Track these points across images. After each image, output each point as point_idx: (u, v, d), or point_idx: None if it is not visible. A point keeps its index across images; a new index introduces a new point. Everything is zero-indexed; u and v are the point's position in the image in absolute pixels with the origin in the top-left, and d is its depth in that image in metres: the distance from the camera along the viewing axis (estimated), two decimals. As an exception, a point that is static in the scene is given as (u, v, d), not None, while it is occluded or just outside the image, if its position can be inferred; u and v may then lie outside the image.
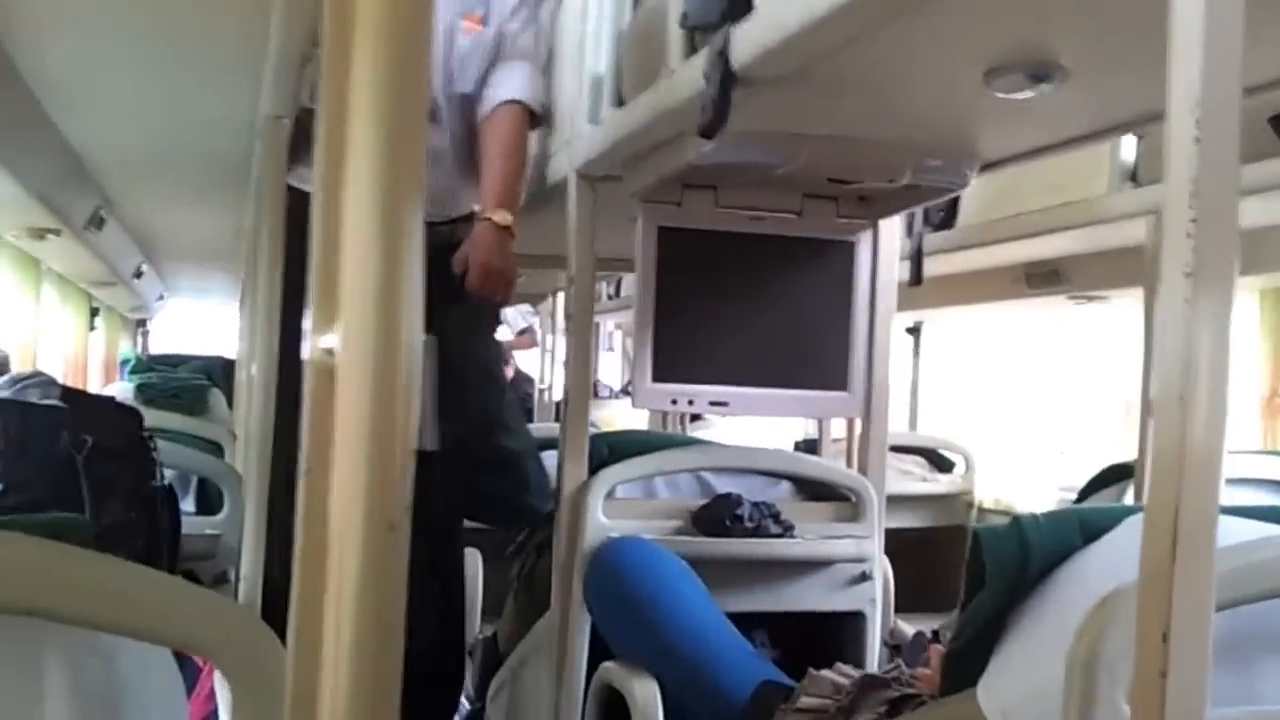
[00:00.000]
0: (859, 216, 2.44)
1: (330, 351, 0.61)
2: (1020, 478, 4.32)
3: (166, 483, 2.03)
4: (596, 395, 6.84)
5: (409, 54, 0.54)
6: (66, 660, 0.87)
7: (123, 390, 4.58)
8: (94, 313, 5.75)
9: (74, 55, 1.77)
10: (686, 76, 1.82)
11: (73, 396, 2.04)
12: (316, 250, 0.68)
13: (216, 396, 5.49)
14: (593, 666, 2.16)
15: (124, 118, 2.21)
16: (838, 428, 3.42)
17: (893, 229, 2.50)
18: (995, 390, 4.95)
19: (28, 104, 1.94)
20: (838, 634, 2.39)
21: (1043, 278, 3.59)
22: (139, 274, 4.89)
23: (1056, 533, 1.13)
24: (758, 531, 2.29)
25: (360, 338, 0.53)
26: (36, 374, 2.04)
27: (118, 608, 0.81)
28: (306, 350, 0.70)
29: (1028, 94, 1.66)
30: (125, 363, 6.79)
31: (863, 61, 1.63)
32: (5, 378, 2.05)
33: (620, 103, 2.18)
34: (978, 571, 1.16)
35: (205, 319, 9.20)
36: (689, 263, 2.33)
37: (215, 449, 2.70)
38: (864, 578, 2.38)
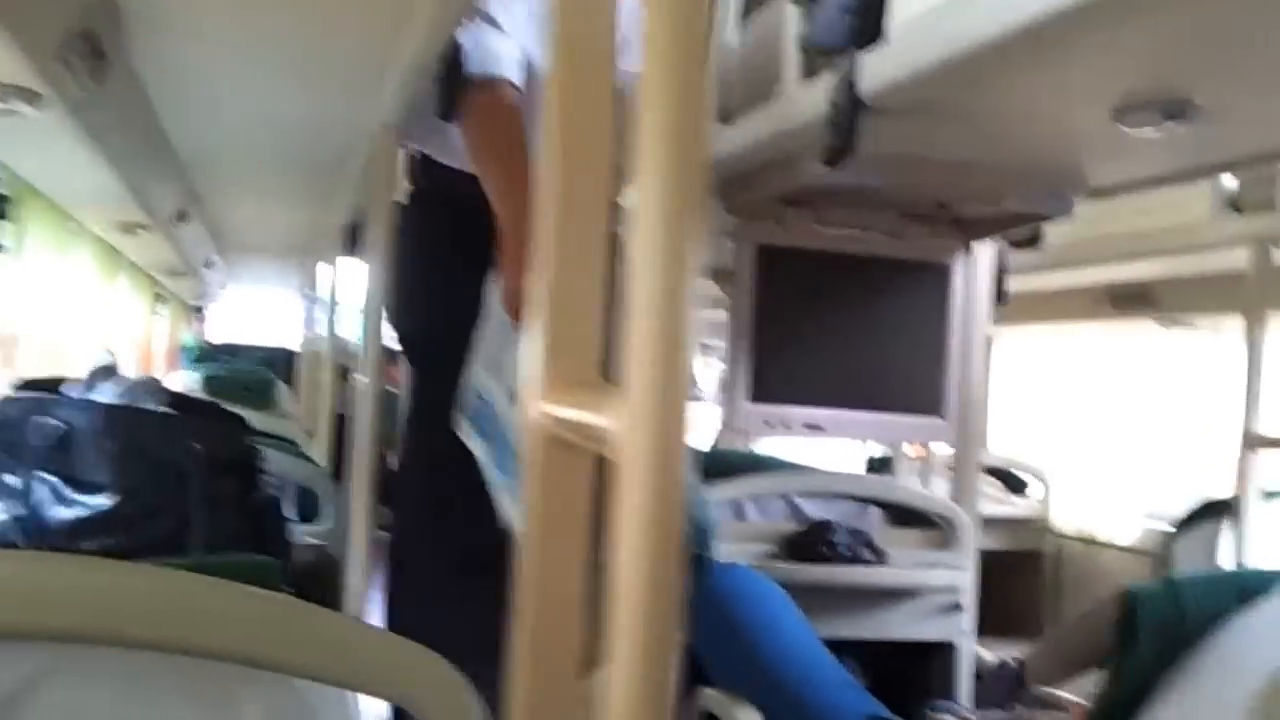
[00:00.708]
0: (954, 238, 2.45)
1: (576, 426, 0.64)
2: (1101, 503, 4.26)
3: (272, 493, 2.06)
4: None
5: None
6: (264, 706, 0.90)
7: (190, 381, 4.66)
8: (157, 298, 5.84)
9: (192, 60, 1.81)
10: (804, 99, 1.83)
11: (182, 403, 2.07)
12: (549, 313, 0.71)
13: (282, 389, 5.57)
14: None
15: (227, 119, 2.25)
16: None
17: (986, 252, 2.49)
18: (1071, 410, 4.89)
19: (140, 104, 1.98)
20: (927, 663, 2.39)
21: (1129, 299, 3.57)
22: (209, 264, 4.96)
23: (1213, 596, 1.14)
24: (852, 559, 2.29)
25: (645, 422, 0.53)
26: (147, 379, 2.07)
27: (316, 654, 0.83)
28: (532, 416, 0.73)
29: (1156, 130, 1.66)
30: (185, 350, 6.90)
31: (990, 94, 1.64)
32: (113, 380, 2.07)
33: (724, 119, 2.19)
34: (1128, 631, 1.17)
35: (257, 304, 9.25)
36: (787, 281, 2.34)
37: (290, 446, 2.72)
38: (956, 608, 2.36)
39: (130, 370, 4.61)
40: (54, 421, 1.92)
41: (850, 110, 1.58)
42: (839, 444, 4.71)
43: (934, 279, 2.44)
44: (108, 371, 2.13)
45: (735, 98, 2.13)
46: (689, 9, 0.55)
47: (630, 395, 0.54)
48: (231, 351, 6.85)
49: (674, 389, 0.53)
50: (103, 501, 1.89)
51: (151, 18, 1.49)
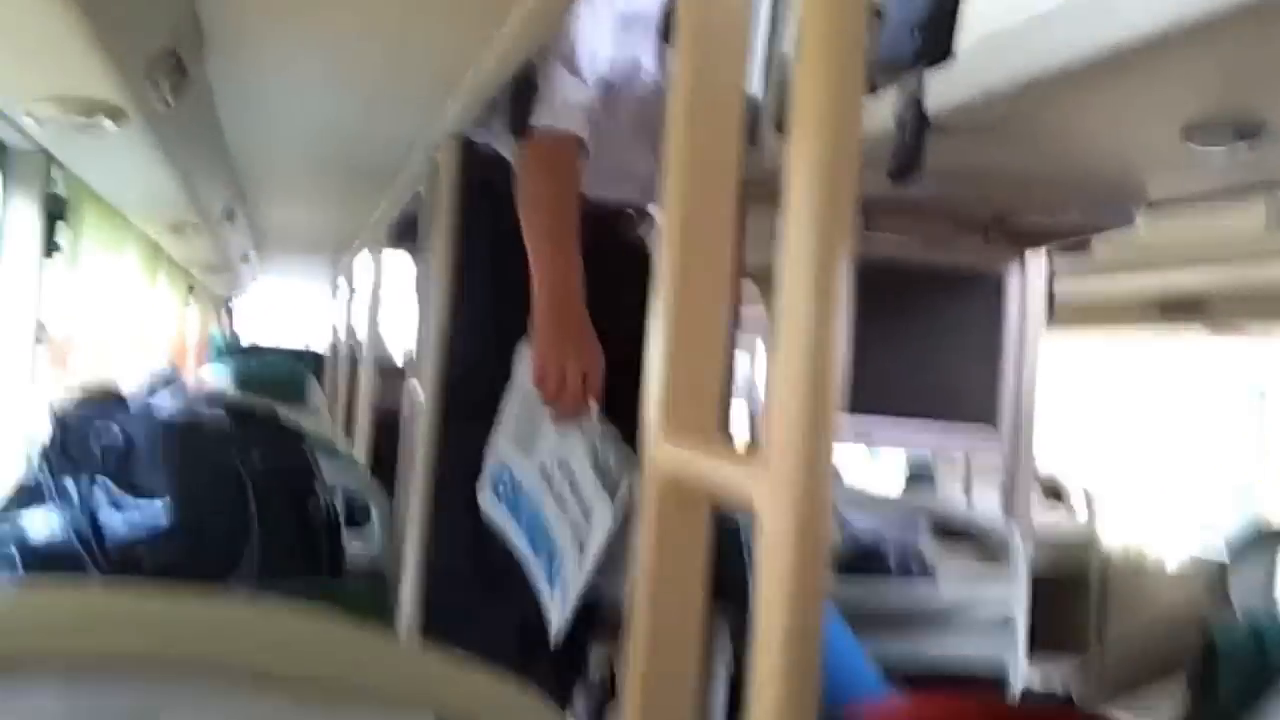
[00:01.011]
0: (1008, 248, 2.44)
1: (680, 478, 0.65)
2: (1149, 517, 4.20)
3: (328, 501, 2.08)
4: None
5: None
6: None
7: (221, 376, 4.69)
8: (189, 290, 5.87)
9: (264, 76, 1.83)
10: (867, 113, 1.83)
11: (240, 413, 2.09)
12: (671, 354, 0.72)
13: (313, 386, 5.58)
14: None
15: (286, 128, 2.27)
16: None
17: (1040, 262, 2.48)
18: (1117, 419, 4.84)
19: (207, 115, 2.00)
20: (975, 682, 2.39)
21: (1180, 308, 3.55)
22: (245, 259, 5.00)
23: (1296, 640, 1.14)
24: (901, 573, 2.29)
25: (790, 487, 0.54)
26: (206, 389, 2.09)
27: (406, 686, 0.85)
28: (651, 459, 0.74)
29: (1225, 148, 1.66)
30: (214, 344, 6.95)
31: (1059, 113, 1.65)
32: (173, 389, 2.10)
33: (780, 127, 2.19)
34: (1209, 669, 1.17)
35: (285, 297, 9.28)
36: (871, 299, 2.34)
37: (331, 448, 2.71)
38: (1007, 625, 2.35)
39: (165, 363, 4.67)
40: (115, 430, 1.95)
41: (918, 127, 1.58)
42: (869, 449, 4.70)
43: (987, 288, 2.44)
44: (168, 380, 2.16)
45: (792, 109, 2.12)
46: (845, 56, 0.56)
47: (775, 456, 0.54)
48: (259, 352, 6.88)
49: (823, 451, 0.54)
50: (161, 510, 1.91)
51: (232, 38, 1.51)
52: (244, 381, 4.55)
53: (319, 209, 3.77)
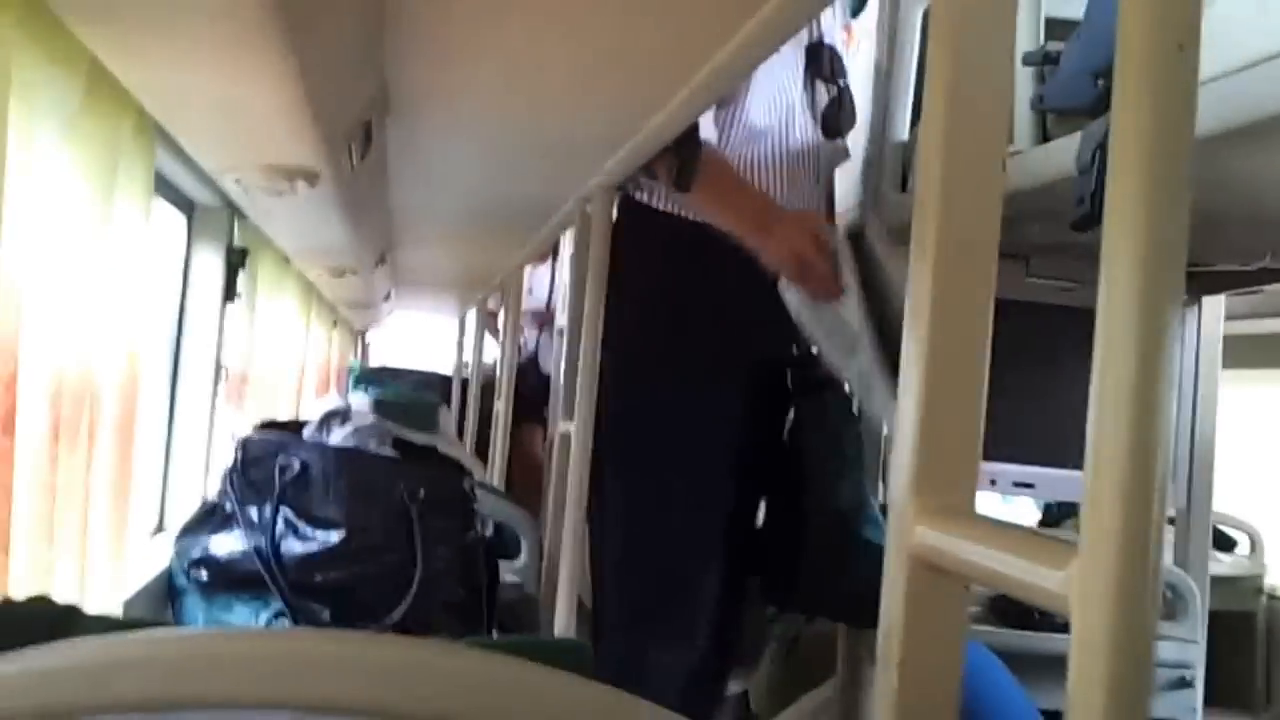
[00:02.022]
0: (1184, 293, 2.32)
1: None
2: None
3: (486, 533, 2.07)
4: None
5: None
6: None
7: (363, 403, 4.72)
8: (333, 324, 5.96)
9: (436, 140, 1.83)
10: (1040, 160, 1.73)
11: (404, 447, 2.09)
12: (922, 430, 0.67)
13: (445, 414, 5.62)
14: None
15: (447, 180, 2.27)
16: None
17: (1218, 306, 2.33)
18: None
19: (379, 174, 2.00)
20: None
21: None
22: (386, 297, 5.05)
23: None
24: (1066, 625, 2.15)
25: (1111, 585, 0.49)
26: (374, 424, 2.09)
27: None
28: (902, 543, 0.69)
29: None
30: (351, 372, 7.04)
31: (1261, 160, 1.53)
32: (349, 427, 2.10)
33: (904, 186, 2.13)
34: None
35: (415, 329, 9.37)
36: (997, 335, 2.24)
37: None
38: (1184, 684, 2.19)
39: (318, 393, 4.73)
40: (293, 461, 1.96)
41: (1102, 175, 1.50)
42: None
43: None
44: (340, 415, 2.16)
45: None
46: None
47: (1098, 547, 0.49)
48: (394, 374, 6.96)
49: (1153, 551, 0.49)
50: (334, 536, 1.92)
51: (411, 106, 1.51)
52: (380, 407, 4.58)
53: (459, 252, 3.79)
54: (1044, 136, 1.71)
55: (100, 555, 1.32)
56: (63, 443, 1.08)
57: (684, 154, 1.81)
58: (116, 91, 1.11)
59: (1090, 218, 1.48)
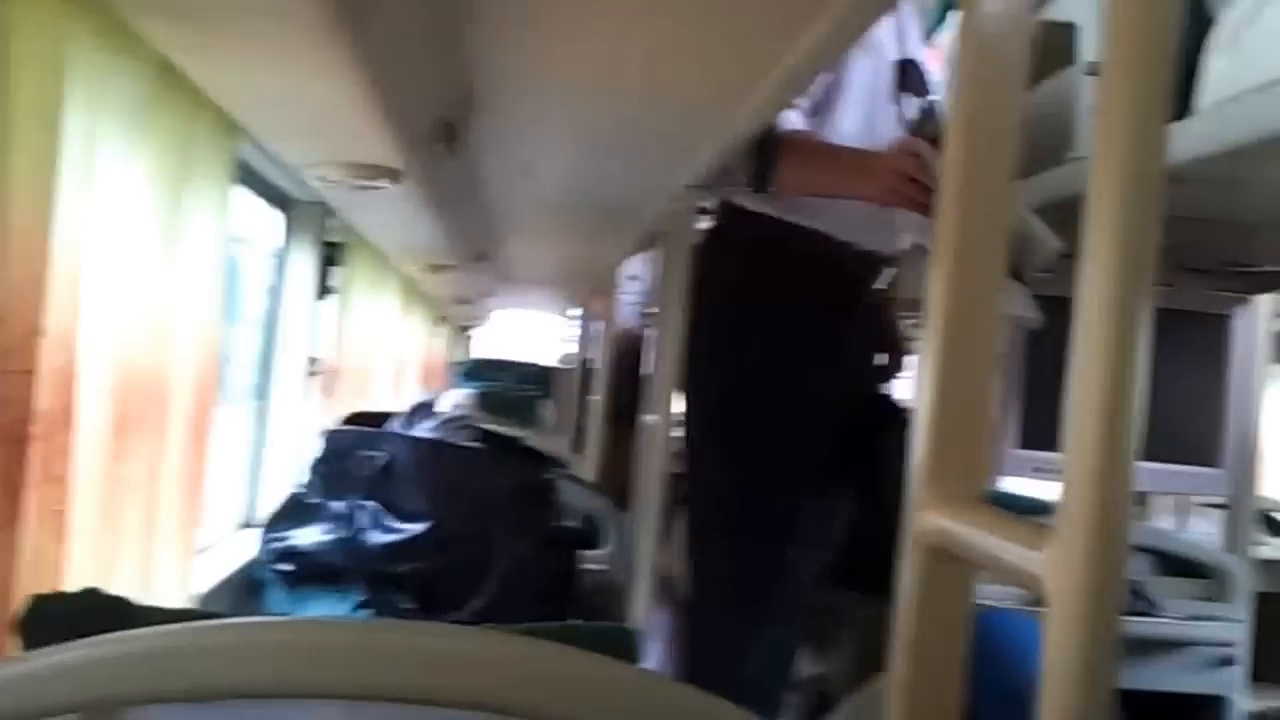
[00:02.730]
0: (1234, 290, 2.29)
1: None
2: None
3: (569, 523, 2.09)
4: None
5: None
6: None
7: (466, 397, 4.83)
8: (438, 319, 6.07)
9: (523, 137, 1.85)
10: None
11: (489, 439, 2.13)
12: (934, 421, 0.68)
13: (546, 406, 5.71)
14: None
15: (537, 177, 2.30)
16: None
17: (1267, 304, 2.31)
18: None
19: (469, 171, 2.04)
20: (1195, 716, 2.24)
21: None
22: (490, 294, 5.13)
23: None
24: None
25: (1081, 561, 0.49)
26: (460, 416, 2.13)
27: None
28: (914, 529, 0.70)
29: None
30: (459, 366, 7.16)
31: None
32: (430, 417, 2.15)
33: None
34: None
35: (519, 325, 9.48)
36: (1059, 331, 2.23)
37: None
38: (1229, 662, 2.21)
39: (417, 385, 4.84)
40: (377, 454, 2.01)
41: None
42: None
43: (1211, 329, 2.29)
44: (426, 408, 2.21)
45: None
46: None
47: (1067, 530, 0.50)
48: (497, 368, 7.08)
49: (1120, 535, 0.49)
50: (417, 527, 1.95)
51: (497, 104, 1.53)
52: (484, 400, 4.66)
53: (557, 249, 3.83)
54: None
55: (169, 548, 1.35)
56: (129, 436, 1.12)
57: (762, 154, 1.83)
58: (190, 88, 1.15)
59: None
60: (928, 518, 0.67)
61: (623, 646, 0.94)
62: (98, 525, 1.09)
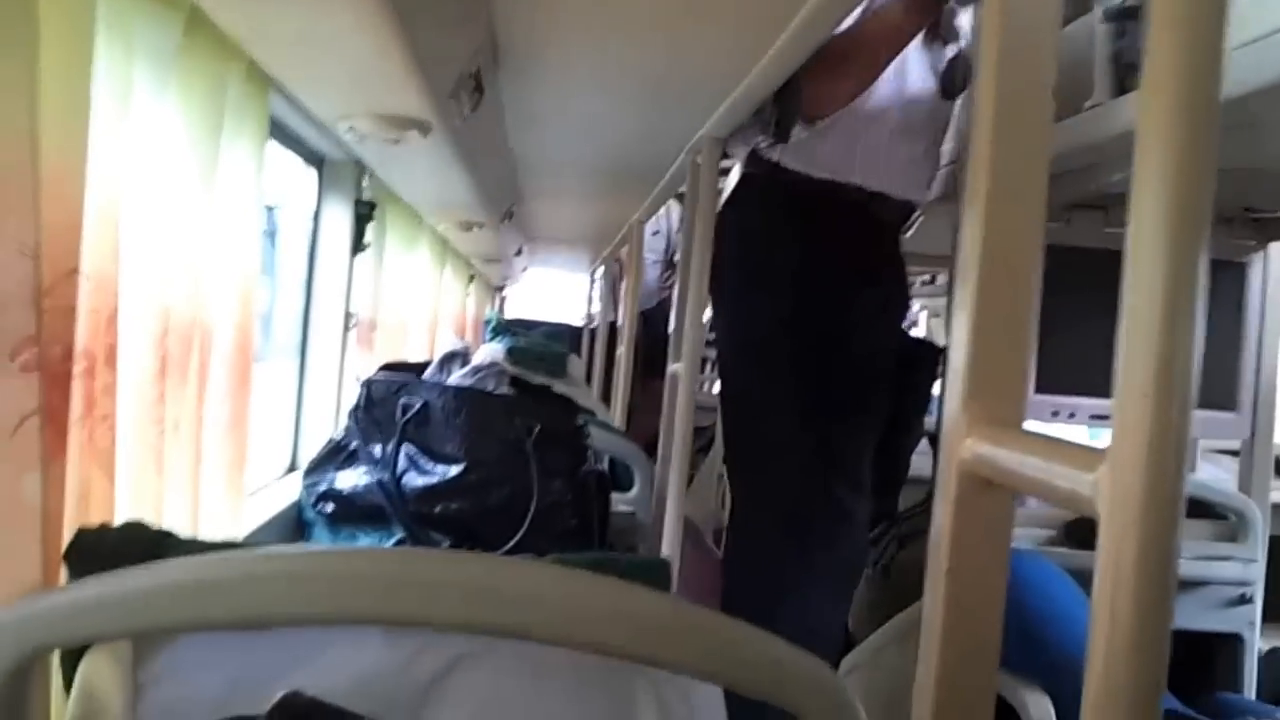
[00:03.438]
0: (1251, 239, 2.24)
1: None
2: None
3: (599, 466, 2.08)
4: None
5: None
6: (654, 698, 0.87)
7: (497, 352, 4.80)
8: (470, 279, 6.05)
9: (550, 90, 1.82)
10: (1116, 113, 1.71)
11: (521, 386, 2.11)
12: (973, 344, 0.65)
13: (574, 362, 5.69)
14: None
15: (565, 135, 2.27)
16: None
17: (1283, 251, 2.27)
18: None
19: (497, 125, 2.01)
20: (1212, 655, 2.21)
21: None
22: (519, 252, 5.10)
23: None
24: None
25: (1139, 482, 0.46)
26: (492, 364, 2.11)
27: (708, 657, 0.80)
28: (952, 455, 0.67)
29: None
30: (488, 323, 7.16)
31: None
32: (467, 367, 2.13)
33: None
34: None
35: (548, 284, 9.48)
36: (1071, 280, 2.19)
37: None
38: (1244, 600, 2.18)
39: (457, 341, 4.82)
40: (414, 400, 1.99)
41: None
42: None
43: (1228, 277, 2.24)
44: (459, 356, 2.19)
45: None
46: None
47: (1123, 448, 0.46)
48: (526, 326, 7.07)
49: (1178, 454, 0.46)
50: (453, 470, 1.94)
51: (523, 57, 1.50)
52: (514, 355, 4.63)
53: (583, 207, 3.80)
54: (1121, 89, 1.66)
55: (216, 488, 1.34)
56: (171, 379, 1.10)
57: (784, 104, 1.79)
58: (220, 35, 1.12)
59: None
60: (966, 445, 0.64)
61: (658, 577, 0.92)
62: (146, 465, 1.08)
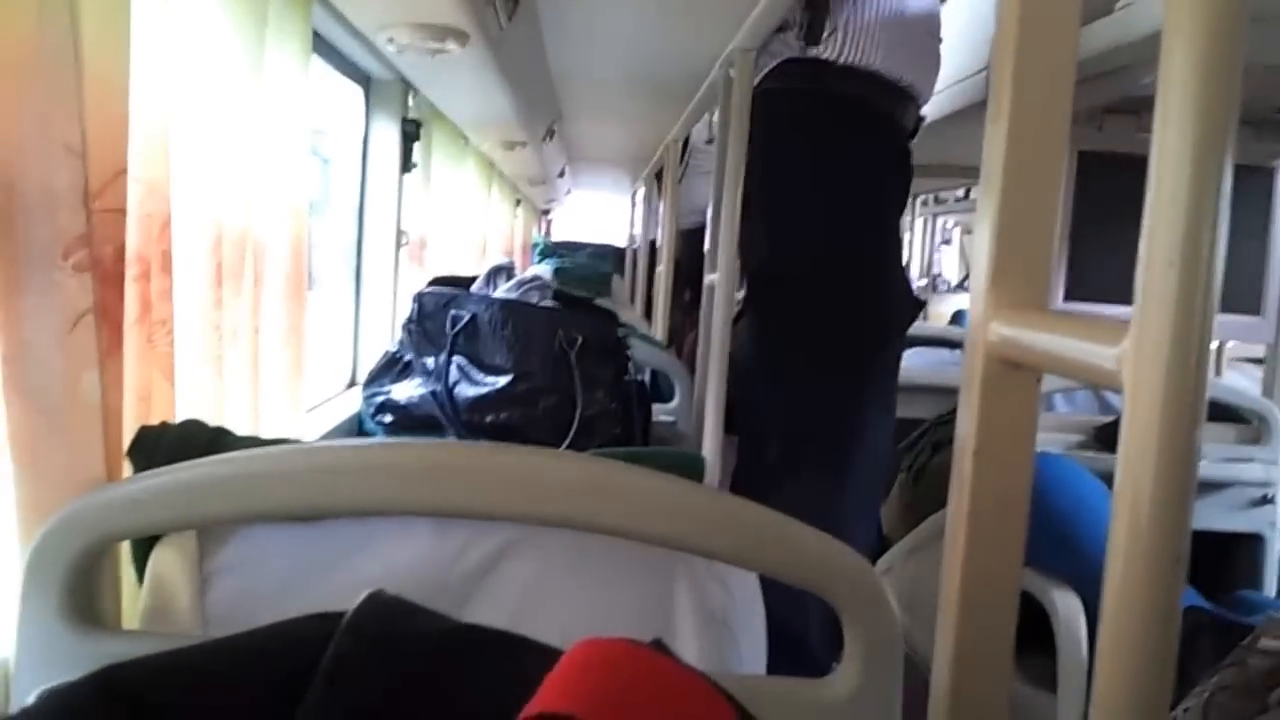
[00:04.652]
0: (1278, 142, 2.17)
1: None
2: None
3: (640, 377, 2.07)
4: (935, 290, 6.60)
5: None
6: (692, 584, 0.87)
7: (545, 272, 4.81)
8: (516, 203, 6.03)
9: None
10: (1142, 12, 1.65)
11: (564, 299, 2.10)
12: (997, 227, 0.62)
13: (617, 282, 5.68)
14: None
15: (599, 46, 2.22)
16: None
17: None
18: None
19: (534, 37, 1.97)
20: (1234, 555, 2.19)
21: None
22: (561, 174, 5.06)
23: None
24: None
25: (1163, 357, 0.44)
26: (535, 278, 2.10)
27: (745, 544, 0.79)
28: (978, 338, 0.65)
29: None
30: (535, 246, 7.15)
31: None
32: (512, 281, 2.12)
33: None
34: None
35: (592, 206, 9.45)
36: (1104, 185, 2.14)
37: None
38: (1265, 500, 2.15)
39: (503, 257, 4.83)
40: (463, 313, 1.99)
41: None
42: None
43: (1258, 181, 2.18)
44: (505, 271, 2.18)
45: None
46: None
47: (1147, 319, 0.44)
48: (571, 248, 7.06)
49: (1202, 327, 0.44)
50: (501, 380, 1.94)
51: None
52: (560, 276, 4.64)
53: (623, 126, 3.74)
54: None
55: (275, 395, 1.35)
56: (226, 287, 1.09)
57: (813, 7, 1.74)
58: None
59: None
60: (992, 328, 0.62)
61: (694, 470, 0.91)
62: (206, 370, 1.08)
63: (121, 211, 0.75)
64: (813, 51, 1.86)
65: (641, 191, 5.68)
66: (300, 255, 1.38)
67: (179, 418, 1.00)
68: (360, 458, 0.78)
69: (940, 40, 2.00)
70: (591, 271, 5.29)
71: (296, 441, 0.86)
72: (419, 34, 1.43)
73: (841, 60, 1.85)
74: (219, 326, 1.08)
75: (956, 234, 7.69)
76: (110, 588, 0.84)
